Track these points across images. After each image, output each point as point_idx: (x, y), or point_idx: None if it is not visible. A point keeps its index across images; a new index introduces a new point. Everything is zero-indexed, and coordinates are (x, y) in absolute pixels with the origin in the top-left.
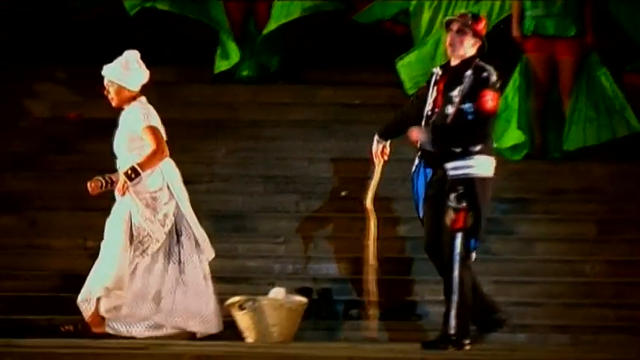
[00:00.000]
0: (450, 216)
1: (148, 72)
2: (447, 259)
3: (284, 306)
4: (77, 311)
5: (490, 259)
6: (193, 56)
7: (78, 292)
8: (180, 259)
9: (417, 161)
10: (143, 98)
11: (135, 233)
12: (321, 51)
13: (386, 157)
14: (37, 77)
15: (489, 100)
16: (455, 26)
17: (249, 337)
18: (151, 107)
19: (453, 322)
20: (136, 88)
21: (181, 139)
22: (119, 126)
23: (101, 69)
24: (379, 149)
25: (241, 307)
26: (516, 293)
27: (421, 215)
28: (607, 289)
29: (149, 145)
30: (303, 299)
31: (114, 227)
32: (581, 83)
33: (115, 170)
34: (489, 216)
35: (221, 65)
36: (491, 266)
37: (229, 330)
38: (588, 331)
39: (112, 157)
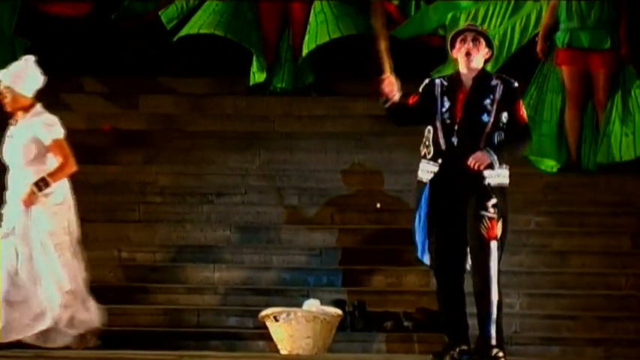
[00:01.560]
0: (485, 225)
1: (43, 78)
2: (482, 270)
3: (318, 318)
4: (113, 322)
5: (525, 272)
6: (226, 68)
7: (112, 303)
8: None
9: (428, 175)
10: (39, 105)
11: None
12: (355, 63)
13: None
14: (71, 89)
15: (524, 111)
16: (470, 36)
17: (283, 348)
18: (50, 116)
19: (493, 332)
20: (31, 94)
21: (215, 151)
22: (14, 136)
23: (137, 80)
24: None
25: (276, 319)
26: (551, 306)
27: (421, 226)
28: None
29: (56, 158)
30: (337, 311)
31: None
32: (616, 97)
33: None
34: (524, 229)
35: (257, 77)
36: (525, 279)
37: (264, 341)
38: (622, 344)
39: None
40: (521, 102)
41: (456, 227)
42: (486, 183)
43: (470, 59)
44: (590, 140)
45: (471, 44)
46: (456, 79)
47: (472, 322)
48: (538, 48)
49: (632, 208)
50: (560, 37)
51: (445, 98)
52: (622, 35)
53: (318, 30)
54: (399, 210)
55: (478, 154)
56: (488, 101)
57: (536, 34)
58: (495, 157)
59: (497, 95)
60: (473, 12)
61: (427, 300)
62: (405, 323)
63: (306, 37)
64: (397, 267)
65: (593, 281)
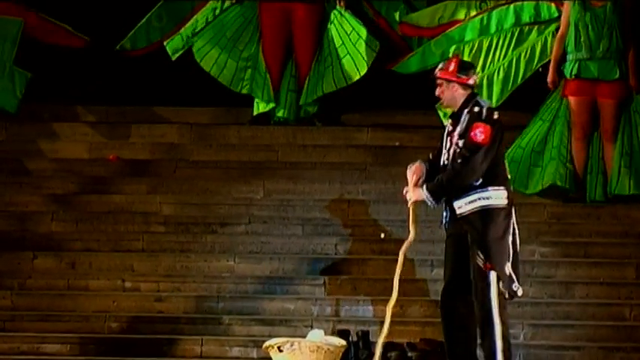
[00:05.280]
0: (479, 257)
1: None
2: (482, 303)
3: (322, 348)
4: (116, 352)
5: (529, 302)
6: (231, 98)
7: (117, 332)
8: None
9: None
10: None
11: None
12: (359, 93)
13: (414, 180)
14: (74, 118)
15: (479, 132)
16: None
17: None
18: None
19: None
20: None
21: (219, 181)
22: None
23: (141, 109)
24: (413, 170)
25: (279, 349)
26: (555, 337)
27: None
28: None
29: None
30: (341, 341)
31: None
32: (626, 128)
33: None
34: (529, 259)
35: (261, 107)
36: (530, 309)
37: None
38: None
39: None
40: (477, 124)
41: (456, 259)
42: (457, 213)
43: (441, 102)
44: (596, 171)
45: (437, 90)
46: (452, 117)
47: None
48: (549, 79)
49: (637, 238)
50: (569, 68)
51: (447, 140)
52: (630, 65)
53: (325, 78)
54: (402, 240)
55: (410, 189)
56: (455, 134)
57: (542, 66)
58: (426, 194)
59: (463, 125)
60: (477, 45)
61: (431, 330)
62: (409, 354)
63: (310, 83)
64: (401, 297)
65: (598, 312)
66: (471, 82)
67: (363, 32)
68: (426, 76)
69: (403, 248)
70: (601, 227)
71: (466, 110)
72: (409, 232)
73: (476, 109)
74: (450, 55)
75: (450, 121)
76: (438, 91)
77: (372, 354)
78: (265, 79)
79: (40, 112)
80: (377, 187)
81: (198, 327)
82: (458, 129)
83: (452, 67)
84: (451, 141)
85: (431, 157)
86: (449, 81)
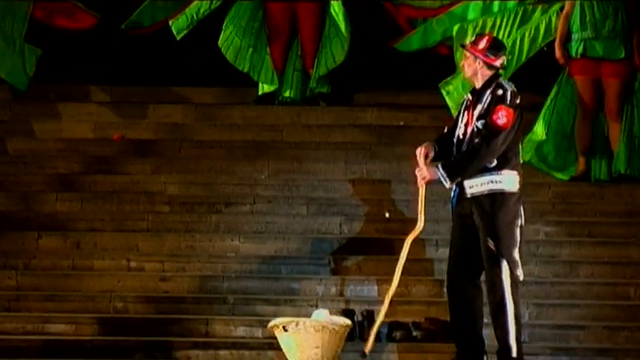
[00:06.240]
0: (490, 242)
1: None
2: (494, 286)
3: (327, 328)
4: (121, 332)
5: (533, 282)
6: (235, 78)
7: (121, 312)
8: None
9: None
10: None
11: None
12: (364, 73)
13: (424, 159)
14: (79, 98)
15: (502, 115)
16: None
17: (292, 358)
18: None
19: (513, 345)
20: None
21: (224, 161)
22: None
23: (146, 89)
24: (422, 149)
25: (285, 329)
26: (560, 316)
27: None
28: None
29: None
30: (346, 321)
31: None
32: (632, 107)
33: None
34: (533, 238)
35: (265, 87)
36: (534, 289)
37: (272, 351)
38: (632, 354)
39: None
40: (500, 106)
41: (463, 240)
42: (467, 193)
43: (464, 73)
44: (601, 150)
45: (462, 61)
46: (472, 92)
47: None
48: (557, 54)
49: None
50: (574, 47)
51: (466, 113)
52: (635, 45)
53: (333, 47)
54: (407, 220)
55: (423, 169)
56: (476, 112)
57: (546, 45)
58: (442, 172)
59: (484, 105)
60: (480, 24)
61: (436, 310)
62: (414, 333)
63: (322, 55)
64: (406, 277)
65: (603, 291)
66: (497, 63)
67: (343, 28)
68: (430, 55)
69: (410, 237)
70: (605, 207)
71: (489, 90)
72: (419, 219)
73: (499, 91)
74: (454, 34)
75: (469, 96)
76: (462, 62)
77: (377, 333)
78: (265, 61)
79: (44, 92)
80: (381, 166)
81: (203, 307)
82: (478, 108)
83: (483, 44)
84: (470, 117)
85: (445, 130)
86: (475, 57)
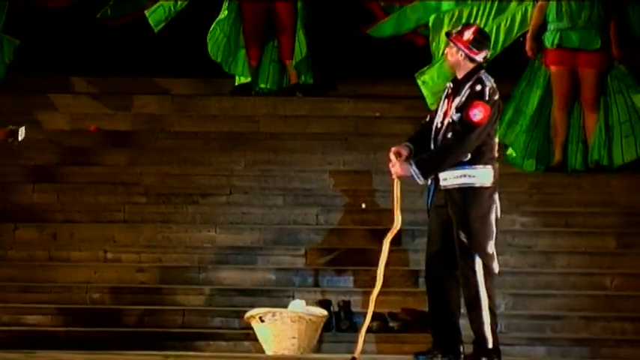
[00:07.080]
0: (462, 235)
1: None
2: (468, 279)
3: (303, 318)
4: (98, 323)
5: (510, 272)
6: (212, 69)
7: (98, 303)
8: None
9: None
10: None
11: None
12: (340, 63)
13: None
14: (56, 89)
15: (477, 112)
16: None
17: (269, 349)
18: None
19: (489, 336)
20: None
21: (200, 152)
22: None
23: (122, 80)
24: (395, 148)
25: (261, 320)
26: (536, 306)
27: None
28: (627, 302)
29: None
30: (322, 312)
31: None
32: (610, 97)
33: None
34: (509, 229)
35: (242, 78)
36: (510, 279)
37: (249, 342)
38: (608, 344)
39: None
40: (476, 102)
41: (439, 231)
42: (441, 185)
43: (447, 63)
44: (577, 140)
45: (446, 49)
46: (454, 82)
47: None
48: (527, 47)
49: (617, 208)
50: (550, 38)
51: (445, 102)
52: (612, 35)
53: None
54: (384, 210)
55: (396, 164)
56: (454, 104)
57: (522, 35)
58: (415, 169)
59: (462, 98)
60: (457, 13)
61: (412, 300)
62: (391, 324)
63: (298, 41)
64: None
65: (579, 281)
66: (479, 57)
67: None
68: (407, 46)
69: (388, 237)
70: (582, 197)
71: (468, 84)
72: (395, 218)
73: (478, 87)
74: (430, 23)
75: (450, 84)
76: (446, 50)
77: (354, 324)
78: (237, 53)
79: (21, 83)
80: (358, 157)
81: (179, 297)
82: (457, 100)
83: (467, 35)
84: (449, 107)
85: (428, 119)
86: (458, 48)
